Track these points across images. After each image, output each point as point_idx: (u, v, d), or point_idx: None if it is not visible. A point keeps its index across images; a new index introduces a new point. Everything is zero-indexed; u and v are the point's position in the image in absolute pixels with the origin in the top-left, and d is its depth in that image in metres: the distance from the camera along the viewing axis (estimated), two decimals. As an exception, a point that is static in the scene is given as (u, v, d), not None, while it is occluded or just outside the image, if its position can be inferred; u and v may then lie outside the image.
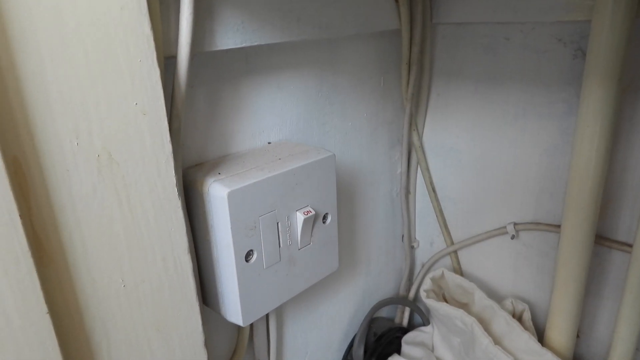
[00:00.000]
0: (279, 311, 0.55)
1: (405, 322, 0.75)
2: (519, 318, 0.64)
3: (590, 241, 0.54)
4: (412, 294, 0.76)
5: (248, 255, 0.40)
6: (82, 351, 0.31)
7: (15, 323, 0.26)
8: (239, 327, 0.50)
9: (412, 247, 0.75)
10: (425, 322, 0.70)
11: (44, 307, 0.27)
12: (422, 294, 0.65)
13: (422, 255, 0.77)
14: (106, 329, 0.32)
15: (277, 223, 0.42)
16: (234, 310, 0.41)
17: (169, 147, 0.33)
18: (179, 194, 0.34)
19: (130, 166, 0.31)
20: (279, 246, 0.43)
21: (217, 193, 0.37)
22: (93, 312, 0.31)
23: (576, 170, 0.52)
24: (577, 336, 0.59)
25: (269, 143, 0.49)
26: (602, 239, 0.57)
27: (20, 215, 0.25)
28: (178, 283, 0.36)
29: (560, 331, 0.58)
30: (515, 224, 0.64)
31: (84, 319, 0.31)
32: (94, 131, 0.29)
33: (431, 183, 0.71)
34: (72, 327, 0.30)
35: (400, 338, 0.70)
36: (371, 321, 0.68)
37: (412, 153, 0.70)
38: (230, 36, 0.39)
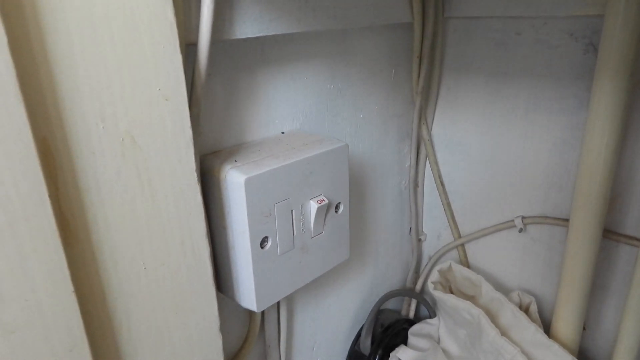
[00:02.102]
0: (290, 300, 0.56)
1: (411, 314, 0.76)
2: (525, 311, 0.64)
3: (598, 235, 0.54)
4: (418, 287, 0.76)
5: (263, 242, 0.41)
6: (104, 330, 0.32)
7: (43, 301, 0.27)
8: (250, 315, 0.51)
9: (419, 240, 0.76)
10: (432, 314, 0.71)
11: (70, 286, 0.28)
12: (430, 286, 0.66)
13: (429, 248, 0.78)
14: (127, 309, 0.33)
15: (292, 211, 0.42)
16: (248, 296, 0.42)
17: (189, 133, 0.33)
18: (198, 180, 0.35)
19: (152, 151, 0.32)
20: (293, 234, 0.43)
21: (235, 179, 0.38)
22: (115, 292, 0.32)
23: (586, 165, 0.52)
24: (584, 329, 0.60)
25: (283, 133, 0.49)
26: (610, 233, 0.58)
27: (49, 195, 0.26)
28: (195, 267, 0.36)
29: (566, 324, 0.59)
30: (523, 217, 0.64)
31: (107, 299, 0.31)
32: (119, 115, 0.29)
33: (439, 176, 0.71)
34: (95, 306, 0.31)
35: (406, 330, 0.70)
36: (378, 312, 0.69)
37: (421, 146, 0.70)
38: (248, 25, 0.40)
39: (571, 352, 0.59)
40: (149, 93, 0.31)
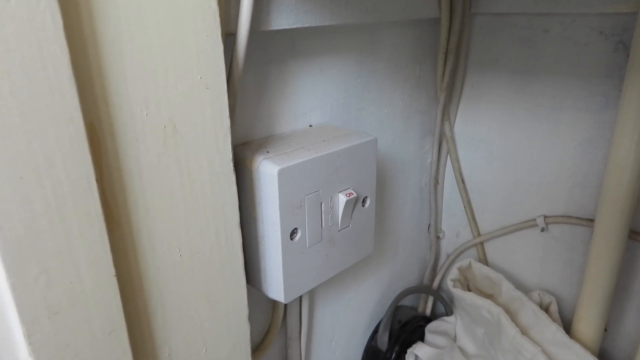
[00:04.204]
0: (312, 293, 0.56)
1: (428, 311, 0.75)
2: (545, 310, 0.64)
3: (624, 235, 0.54)
4: (435, 284, 0.76)
5: (293, 234, 0.41)
6: (140, 315, 0.32)
7: (86, 284, 0.27)
8: (273, 307, 0.51)
9: (438, 238, 0.76)
10: (449, 312, 0.71)
11: (112, 270, 0.28)
12: (449, 284, 0.66)
13: (448, 246, 0.77)
14: (162, 295, 0.33)
15: (321, 203, 0.42)
16: (276, 287, 0.42)
17: (227, 122, 0.34)
18: (233, 170, 0.35)
19: (192, 139, 0.32)
20: (321, 226, 0.43)
21: (267, 170, 0.38)
22: (152, 278, 0.32)
23: (614, 163, 0.52)
24: (605, 330, 0.59)
25: (310, 126, 0.49)
26: (634, 234, 0.57)
27: (96, 180, 0.26)
28: (228, 256, 0.37)
29: (588, 324, 0.58)
30: (545, 216, 0.64)
31: (144, 284, 0.32)
32: (162, 102, 0.30)
33: (460, 174, 0.71)
34: (133, 292, 0.31)
35: (423, 327, 0.70)
36: (396, 309, 0.69)
37: (443, 143, 0.70)
38: (284, 17, 0.40)
39: (592, 352, 0.58)
40: (191, 81, 0.31)
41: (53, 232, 0.25)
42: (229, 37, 0.36)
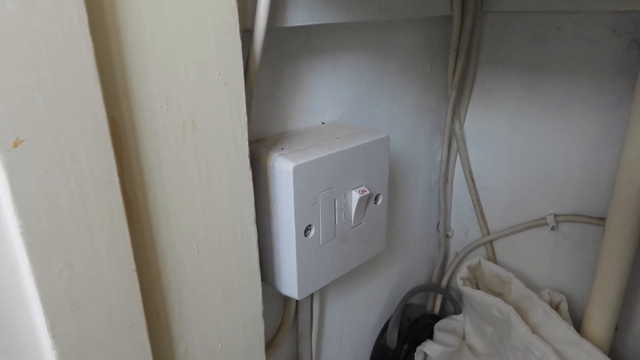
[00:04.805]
0: (322, 291, 0.56)
1: (437, 309, 0.75)
2: (555, 309, 0.64)
3: (635, 234, 0.53)
4: (444, 283, 0.76)
5: (307, 230, 0.41)
6: (158, 310, 0.32)
7: (108, 278, 0.27)
8: (285, 304, 0.51)
9: (446, 236, 0.76)
10: (457, 310, 0.71)
11: (132, 265, 0.28)
12: (459, 282, 0.66)
13: (456, 244, 0.77)
14: (180, 291, 0.33)
15: (335, 200, 0.43)
16: (290, 284, 0.42)
17: (244, 119, 0.34)
18: (250, 166, 0.35)
19: (210, 135, 0.32)
20: (335, 223, 0.43)
21: (283, 167, 0.38)
22: (170, 274, 0.32)
23: (627, 162, 0.51)
24: (615, 329, 0.59)
25: (323, 123, 0.49)
26: (646, 233, 0.57)
27: (118, 174, 0.26)
28: (244, 253, 0.37)
29: (598, 323, 0.58)
30: (555, 215, 0.64)
31: (162, 280, 0.32)
32: (182, 98, 0.30)
33: (470, 172, 0.71)
34: (151, 286, 0.31)
35: (432, 325, 0.70)
36: (405, 307, 0.69)
37: (452, 141, 0.70)
38: (299, 13, 0.40)
39: (602, 351, 0.58)
40: (210, 77, 0.31)
41: (77, 226, 0.25)
42: (245, 33, 0.36)
